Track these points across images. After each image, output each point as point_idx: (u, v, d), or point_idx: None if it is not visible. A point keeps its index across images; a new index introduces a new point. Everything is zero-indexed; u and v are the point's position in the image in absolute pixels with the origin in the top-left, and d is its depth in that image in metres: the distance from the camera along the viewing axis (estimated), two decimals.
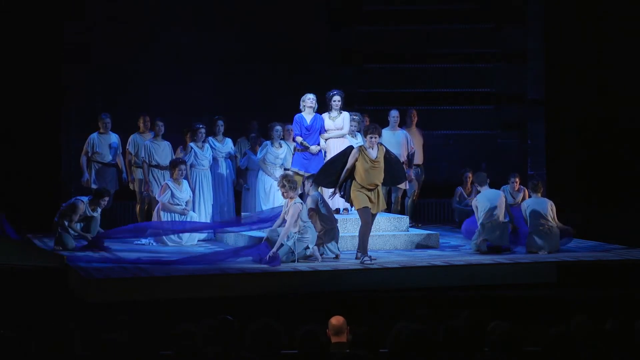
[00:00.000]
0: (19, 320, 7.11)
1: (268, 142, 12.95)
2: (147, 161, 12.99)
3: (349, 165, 10.81)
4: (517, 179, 13.55)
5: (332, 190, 11.01)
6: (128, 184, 13.44)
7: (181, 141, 13.28)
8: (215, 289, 9.67)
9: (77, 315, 8.62)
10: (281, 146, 12.94)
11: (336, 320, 6.38)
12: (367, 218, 10.78)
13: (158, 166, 13.00)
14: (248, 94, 15.49)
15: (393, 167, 11.10)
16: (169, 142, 13.17)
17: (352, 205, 11.15)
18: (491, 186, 12.01)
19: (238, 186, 13.44)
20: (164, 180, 12.73)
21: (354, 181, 10.78)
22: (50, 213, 12.30)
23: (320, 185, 11.45)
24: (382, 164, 10.84)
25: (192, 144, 12.95)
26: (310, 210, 10.93)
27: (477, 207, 11.76)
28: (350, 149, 11.02)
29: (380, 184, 10.89)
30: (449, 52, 16.11)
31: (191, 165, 12.87)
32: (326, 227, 11.04)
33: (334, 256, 10.99)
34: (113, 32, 15.11)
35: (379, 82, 16.07)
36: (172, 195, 12.34)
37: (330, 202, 11.51)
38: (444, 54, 16.11)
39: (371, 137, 10.82)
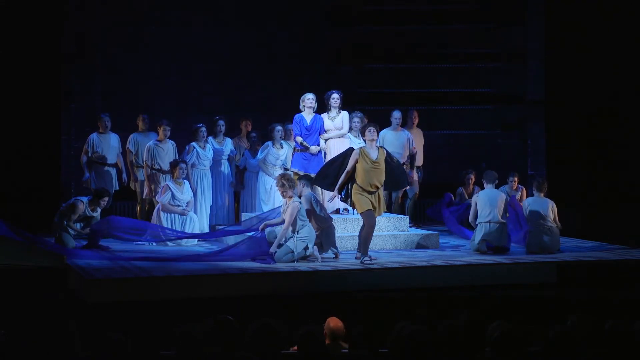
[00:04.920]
0: (19, 320, 7.11)
1: (269, 143, 12.94)
2: (150, 164, 12.96)
3: (349, 167, 10.79)
4: (516, 179, 13.55)
5: (332, 193, 11.02)
6: (129, 183, 13.44)
7: (183, 142, 13.24)
8: (215, 289, 9.67)
9: (77, 315, 8.62)
10: (282, 147, 12.94)
11: (335, 325, 6.35)
12: (372, 221, 10.74)
13: (160, 170, 12.96)
14: (248, 94, 15.48)
15: (395, 172, 11.09)
16: (173, 142, 13.13)
17: (354, 208, 11.15)
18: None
19: (236, 187, 13.43)
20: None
21: (355, 184, 10.77)
22: (50, 213, 12.30)
23: (320, 187, 11.45)
24: (382, 165, 10.82)
25: (194, 144, 12.93)
26: (306, 210, 10.92)
27: (476, 203, 11.77)
28: (350, 150, 11.01)
29: (381, 186, 10.86)
30: (449, 52, 16.11)
31: (192, 165, 12.86)
32: (322, 226, 11.03)
33: (334, 256, 11.00)
34: (113, 32, 15.10)
35: (379, 82, 16.07)
36: (173, 196, 12.32)
37: (330, 203, 11.52)
38: (444, 54, 16.11)
39: (370, 130, 10.83)
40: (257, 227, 11.12)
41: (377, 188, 10.80)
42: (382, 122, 13.29)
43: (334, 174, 10.96)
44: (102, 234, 11.70)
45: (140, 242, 12.32)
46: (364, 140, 11.06)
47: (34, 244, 11.00)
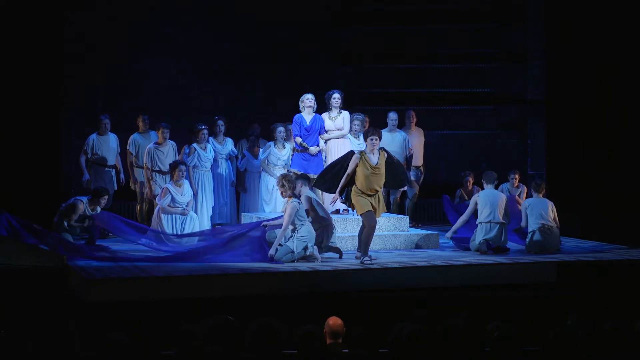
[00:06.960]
0: (19, 320, 7.11)
1: (271, 143, 12.92)
2: (150, 166, 12.93)
3: (349, 170, 10.79)
4: (517, 176, 13.55)
5: (333, 195, 11.03)
6: (128, 184, 13.43)
7: (184, 142, 13.23)
8: (215, 289, 9.67)
9: (77, 315, 8.62)
10: (284, 147, 12.90)
11: (334, 323, 6.35)
12: (372, 222, 10.74)
13: (160, 172, 12.95)
14: (248, 94, 15.48)
15: (395, 171, 11.10)
16: (174, 142, 13.11)
17: (353, 209, 11.15)
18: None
19: (240, 187, 13.43)
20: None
21: (354, 186, 10.78)
22: (50, 213, 12.29)
23: (320, 189, 11.45)
24: (382, 170, 10.82)
25: (195, 145, 12.91)
26: (305, 210, 10.92)
27: (476, 202, 11.77)
28: (351, 153, 10.99)
29: (380, 189, 10.89)
30: (449, 52, 16.11)
31: (194, 167, 12.85)
32: (322, 225, 11.04)
33: (338, 255, 11.02)
34: (113, 32, 15.10)
35: (379, 82, 16.07)
36: (173, 199, 12.27)
37: (331, 205, 11.51)
38: (444, 54, 16.11)
39: (372, 139, 10.80)
40: (257, 226, 11.10)
41: (377, 191, 10.82)
42: (381, 123, 13.30)
43: (335, 177, 10.96)
44: (102, 222, 11.64)
45: (140, 242, 12.33)
46: (366, 145, 11.03)
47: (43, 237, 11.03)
